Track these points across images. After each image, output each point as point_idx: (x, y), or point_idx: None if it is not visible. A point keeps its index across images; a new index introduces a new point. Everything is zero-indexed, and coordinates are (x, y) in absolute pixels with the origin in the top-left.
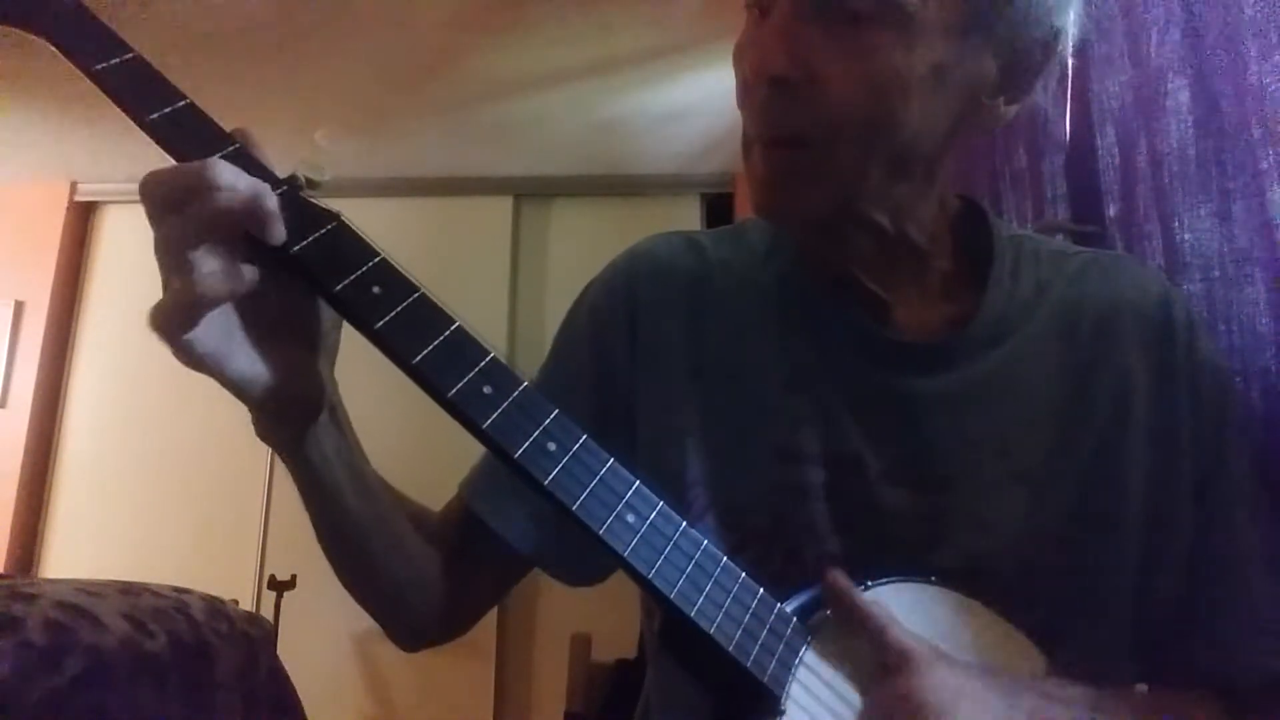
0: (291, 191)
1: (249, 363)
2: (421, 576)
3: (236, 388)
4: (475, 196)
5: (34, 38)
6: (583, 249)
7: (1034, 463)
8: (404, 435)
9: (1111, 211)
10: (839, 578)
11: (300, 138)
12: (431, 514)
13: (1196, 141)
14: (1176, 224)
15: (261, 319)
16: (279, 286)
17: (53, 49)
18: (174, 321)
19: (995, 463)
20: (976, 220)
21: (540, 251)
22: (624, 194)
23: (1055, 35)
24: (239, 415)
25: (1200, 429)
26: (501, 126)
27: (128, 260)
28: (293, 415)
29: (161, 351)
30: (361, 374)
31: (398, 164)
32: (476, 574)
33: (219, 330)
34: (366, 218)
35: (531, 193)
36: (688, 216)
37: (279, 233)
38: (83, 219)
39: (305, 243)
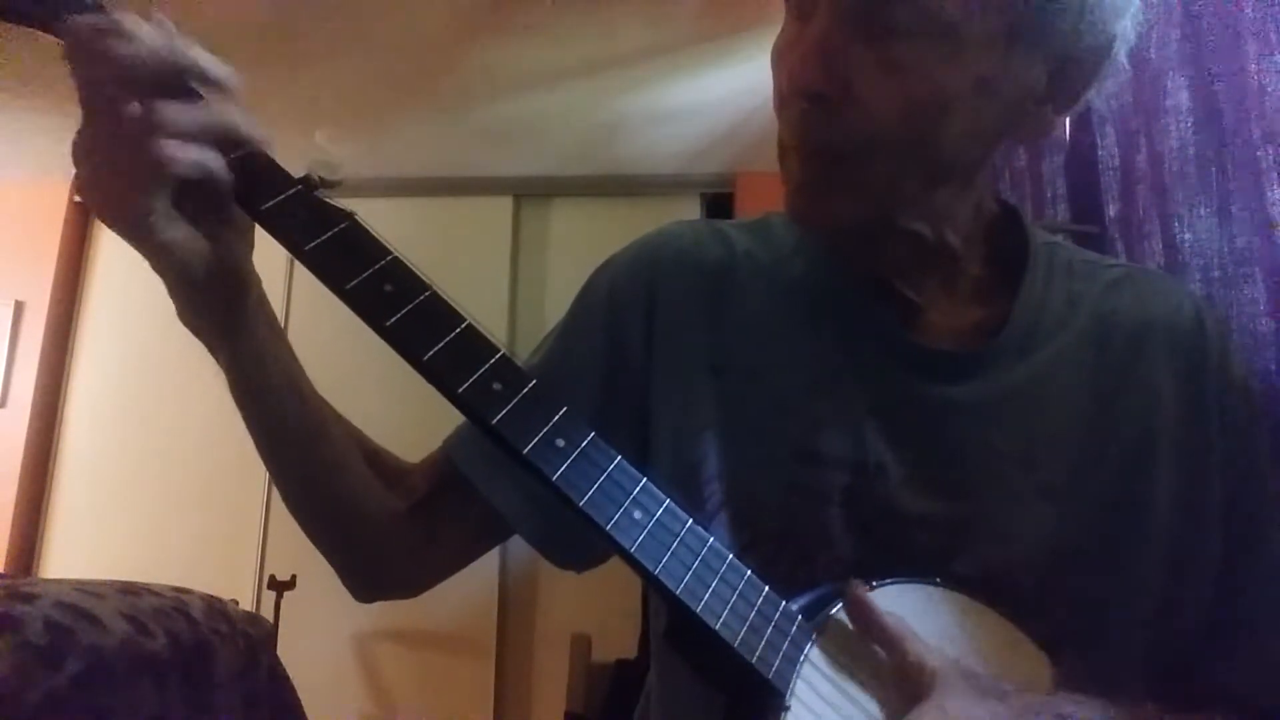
0: (305, 191)
1: (182, 230)
2: (375, 514)
3: (171, 254)
4: (475, 196)
5: (35, 39)
6: (583, 249)
7: (1059, 478)
8: (407, 432)
9: (1111, 211)
10: (859, 588)
11: (300, 138)
12: (391, 455)
13: (1196, 141)
14: (1176, 224)
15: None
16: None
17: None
18: (143, 180)
19: (1020, 475)
20: (1012, 225)
21: (540, 251)
22: (624, 194)
23: (1110, 41)
24: (239, 415)
25: (1229, 451)
26: (501, 126)
27: (128, 260)
28: (225, 290)
29: (161, 351)
30: (369, 370)
31: (398, 164)
32: (447, 532)
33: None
34: (366, 217)
35: (531, 193)
36: (688, 216)
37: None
38: (83, 219)
39: (318, 241)
